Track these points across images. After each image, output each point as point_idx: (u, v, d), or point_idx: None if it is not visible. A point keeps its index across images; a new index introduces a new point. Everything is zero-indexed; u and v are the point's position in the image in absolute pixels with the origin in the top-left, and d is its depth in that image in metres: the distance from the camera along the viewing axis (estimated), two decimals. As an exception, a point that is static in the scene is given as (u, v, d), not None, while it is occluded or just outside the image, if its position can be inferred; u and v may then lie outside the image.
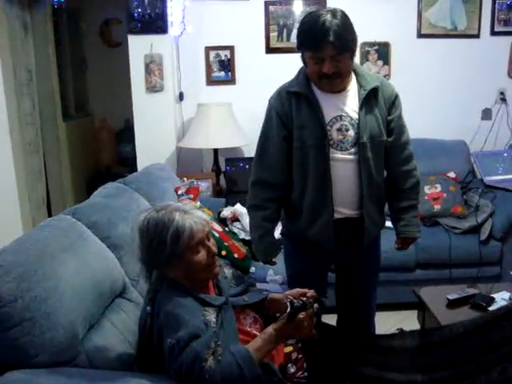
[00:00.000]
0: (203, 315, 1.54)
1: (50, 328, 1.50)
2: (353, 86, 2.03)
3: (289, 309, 1.54)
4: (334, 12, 1.89)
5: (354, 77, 2.05)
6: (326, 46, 1.84)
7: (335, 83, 1.95)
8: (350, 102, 2.01)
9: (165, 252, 1.57)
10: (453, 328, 1.78)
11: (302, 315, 1.54)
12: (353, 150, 1.99)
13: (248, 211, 2.17)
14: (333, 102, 2.00)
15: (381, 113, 2.03)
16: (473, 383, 1.66)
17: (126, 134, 5.55)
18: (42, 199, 4.62)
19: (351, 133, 1.99)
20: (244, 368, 1.42)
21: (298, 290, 1.72)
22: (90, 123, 5.83)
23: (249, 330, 1.68)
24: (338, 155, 1.99)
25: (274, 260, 2.20)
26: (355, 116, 1.99)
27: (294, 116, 2.00)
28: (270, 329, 1.55)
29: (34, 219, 4.13)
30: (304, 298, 1.61)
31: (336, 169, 1.99)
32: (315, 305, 1.60)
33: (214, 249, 1.66)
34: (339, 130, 1.99)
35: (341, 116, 1.99)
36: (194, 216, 1.62)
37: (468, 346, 1.72)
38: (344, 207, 2.04)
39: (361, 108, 1.99)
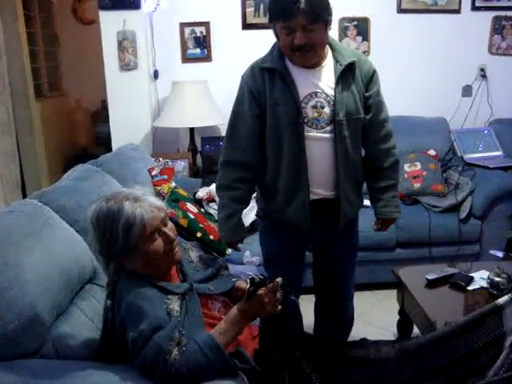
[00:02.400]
0: (166, 304, 1.49)
1: (13, 319, 1.44)
2: (329, 62, 1.95)
3: (248, 285, 1.49)
4: None
5: (330, 52, 1.97)
6: (297, 15, 1.76)
7: (308, 56, 1.87)
8: (326, 77, 1.93)
9: (118, 244, 1.50)
10: (419, 338, 1.70)
11: (262, 290, 1.49)
12: (328, 128, 1.92)
13: (216, 191, 2.10)
14: (308, 78, 1.92)
15: (358, 89, 1.96)
16: None
17: (102, 113, 5.43)
18: (16, 181, 4.52)
19: (327, 110, 1.92)
20: (209, 355, 1.38)
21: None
22: (64, 103, 5.69)
23: (217, 314, 1.63)
24: (313, 133, 1.92)
25: (238, 245, 2.13)
26: (331, 92, 1.92)
27: (268, 93, 1.92)
28: (233, 310, 1.50)
29: (7, 202, 4.03)
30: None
31: (311, 148, 1.92)
32: (277, 279, 1.53)
33: (172, 234, 1.58)
34: (314, 107, 1.91)
35: (316, 93, 1.92)
36: (146, 203, 1.53)
37: (435, 358, 1.63)
38: (320, 188, 1.98)
39: (337, 84, 1.91)
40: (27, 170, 4.75)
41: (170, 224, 1.63)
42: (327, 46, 1.96)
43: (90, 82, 5.26)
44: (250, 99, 1.95)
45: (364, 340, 1.80)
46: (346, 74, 1.93)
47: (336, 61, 1.94)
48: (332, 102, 1.91)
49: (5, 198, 4.06)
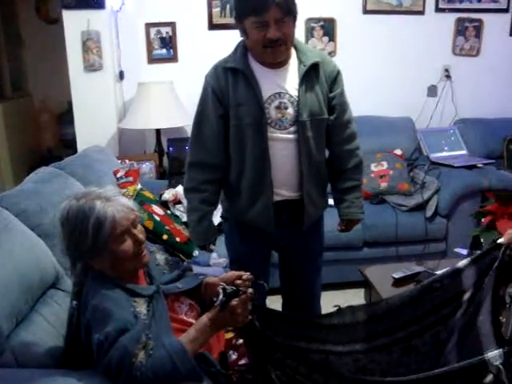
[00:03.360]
0: (132, 307, 1.46)
1: (-33, 326, 1.40)
2: (293, 62, 1.95)
3: (221, 296, 1.47)
4: None
5: (294, 52, 1.96)
6: (271, 7, 1.76)
7: (280, 51, 1.86)
8: (290, 78, 1.93)
9: (87, 243, 1.47)
10: (389, 301, 1.83)
11: (235, 302, 1.48)
12: (292, 128, 1.92)
13: (185, 194, 2.09)
14: (271, 78, 1.92)
15: (322, 90, 1.96)
16: (408, 347, 1.74)
17: (68, 115, 5.32)
18: (-22, 185, 4.41)
19: (290, 111, 1.91)
20: (177, 362, 1.36)
21: (234, 272, 1.66)
22: (28, 104, 5.56)
23: (185, 318, 1.61)
24: (277, 134, 1.92)
25: (210, 247, 2.12)
26: (295, 93, 1.91)
27: (231, 93, 1.91)
28: (204, 318, 1.49)
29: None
30: (239, 281, 1.55)
31: (274, 149, 1.92)
32: (249, 290, 1.53)
33: (141, 237, 1.56)
34: (278, 107, 1.91)
35: (280, 93, 1.91)
36: (117, 203, 1.52)
37: (404, 315, 1.78)
38: (284, 189, 1.98)
39: (300, 85, 1.91)
40: (-10, 174, 4.64)
41: (140, 226, 1.61)
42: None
43: (55, 83, 5.15)
44: (213, 100, 1.94)
45: (338, 308, 1.86)
46: (310, 75, 1.93)
47: (300, 61, 1.94)
48: (296, 103, 1.91)
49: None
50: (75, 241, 1.49)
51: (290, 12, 1.81)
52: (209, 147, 1.97)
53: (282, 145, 1.93)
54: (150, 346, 1.38)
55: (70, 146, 5.30)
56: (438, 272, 2.45)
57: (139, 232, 1.57)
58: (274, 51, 1.85)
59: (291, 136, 1.93)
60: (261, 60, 1.91)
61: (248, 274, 1.62)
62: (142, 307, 1.48)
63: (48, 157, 5.31)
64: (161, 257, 1.79)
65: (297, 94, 1.91)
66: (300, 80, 1.91)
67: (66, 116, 5.47)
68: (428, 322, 1.75)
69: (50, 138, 5.60)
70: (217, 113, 1.94)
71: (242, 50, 1.93)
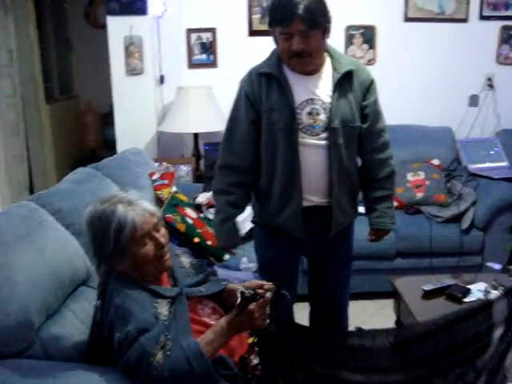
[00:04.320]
0: (154, 307, 1.50)
1: (1, 319, 1.47)
2: (327, 69, 1.96)
3: (239, 300, 1.50)
4: None
5: (328, 60, 1.98)
6: (295, 20, 1.78)
7: (305, 62, 1.88)
8: (323, 85, 1.94)
9: (109, 246, 1.52)
10: (413, 328, 1.78)
11: (252, 306, 1.49)
12: (323, 135, 1.93)
13: (213, 195, 2.12)
14: (305, 84, 1.93)
15: (355, 98, 1.96)
16: None
17: (111, 117, 5.46)
18: (24, 183, 4.58)
19: (322, 117, 1.92)
20: (193, 363, 1.38)
21: (256, 281, 1.67)
22: (75, 106, 5.76)
23: (207, 320, 1.63)
24: (308, 140, 1.93)
25: (233, 250, 2.14)
26: (327, 100, 1.92)
27: (264, 98, 1.94)
28: (222, 321, 1.51)
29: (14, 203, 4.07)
30: (260, 291, 1.56)
31: (305, 154, 1.93)
32: (267, 294, 1.55)
33: (163, 240, 1.60)
34: (310, 113, 1.92)
35: (312, 99, 1.93)
36: (139, 207, 1.56)
37: (427, 348, 1.67)
38: (313, 194, 1.98)
39: (334, 92, 1.92)
40: (35, 172, 4.81)
41: (163, 230, 1.64)
42: (326, 54, 1.97)
43: (100, 85, 5.28)
44: (246, 104, 1.97)
45: (359, 329, 1.82)
46: (344, 82, 1.94)
47: (334, 69, 1.95)
48: (328, 110, 1.92)
49: (12, 200, 4.11)
50: (99, 243, 1.55)
51: (316, 25, 1.81)
52: (239, 151, 2.00)
53: (313, 150, 1.94)
54: (169, 346, 1.41)
55: (111, 147, 5.43)
56: (471, 286, 2.42)
57: (161, 236, 1.60)
58: (299, 62, 1.88)
59: (322, 142, 1.94)
60: (289, 68, 1.93)
61: (270, 283, 1.63)
62: (163, 308, 1.51)
63: (90, 157, 5.46)
64: (186, 260, 1.82)
65: (329, 101, 1.92)
66: (333, 87, 1.92)
67: (108, 118, 5.62)
68: (453, 359, 1.64)
69: (94, 139, 5.76)
70: (249, 117, 1.97)
71: (277, 55, 1.95)
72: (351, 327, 2.26)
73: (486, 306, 1.65)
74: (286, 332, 1.66)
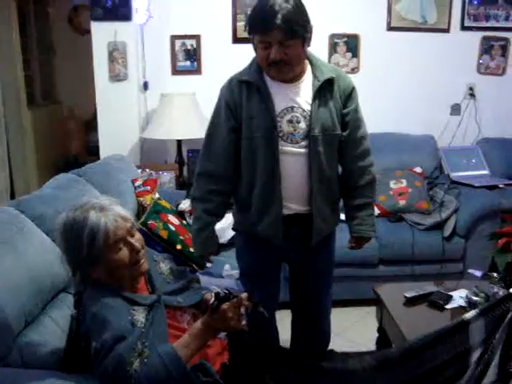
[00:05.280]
0: (130, 315, 1.48)
1: (-22, 324, 1.45)
2: (307, 77, 1.96)
3: (212, 299, 1.49)
4: None
5: (309, 67, 1.98)
6: (273, 30, 1.77)
7: (283, 71, 1.88)
8: (304, 93, 1.94)
9: (83, 253, 1.50)
10: (386, 352, 1.72)
11: (225, 305, 1.48)
12: (303, 143, 1.93)
13: (191, 203, 2.12)
14: (285, 92, 1.93)
15: (335, 105, 1.97)
16: None
17: (94, 123, 5.43)
18: (4, 188, 4.52)
19: (302, 125, 1.92)
20: (171, 367, 1.37)
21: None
22: (57, 111, 5.71)
23: (186, 327, 1.62)
24: (288, 148, 1.93)
25: (210, 258, 2.13)
26: (308, 108, 1.92)
27: (244, 106, 1.93)
28: (197, 323, 1.50)
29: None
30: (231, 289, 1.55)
31: (285, 162, 1.93)
32: (242, 294, 1.54)
33: (138, 245, 1.58)
34: (290, 121, 1.92)
35: (292, 107, 1.93)
36: (111, 213, 1.54)
37: (403, 374, 1.64)
38: (293, 202, 1.98)
39: (314, 99, 1.92)
40: (17, 178, 4.76)
41: (138, 235, 1.63)
42: (307, 62, 1.97)
43: (83, 91, 5.26)
44: (226, 111, 1.96)
45: (331, 352, 1.79)
46: (324, 90, 1.94)
47: (314, 76, 1.95)
48: (308, 117, 1.92)
49: (-8, 205, 4.06)
50: (72, 251, 1.53)
51: (295, 35, 1.80)
52: (217, 158, 1.99)
53: (293, 158, 1.94)
54: (146, 354, 1.40)
55: (94, 153, 5.40)
56: (453, 293, 2.43)
57: (136, 240, 1.59)
58: (278, 70, 1.87)
59: (302, 150, 1.93)
60: (269, 76, 1.93)
61: (245, 294, 1.60)
62: (140, 315, 1.50)
63: (73, 163, 5.42)
64: (165, 266, 1.80)
65: (309, 109, 1.92)
66: (313, 95, 1.92)
67: (91, 124, 5.59)
68: (432, 383, 1.62)
69: (77, 145, 5.73)
70: (229, 125, 1.96)
71: (257, 63, 1.95)
72: (332, 342, 2.27)
73: (462, 325, 1.63)
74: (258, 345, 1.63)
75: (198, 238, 2.05)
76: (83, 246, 1.50)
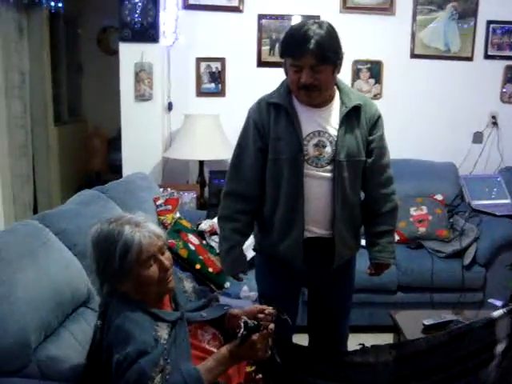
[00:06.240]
0: (154, 330, 1.49)
1: (-1, 336, 1.46)
2: (335, 103, 1.99)
3: (242, 330, 1.48)
4: (320, 23, 1.86)
5: (337, 93, 2.00)
6: (306, 54, 1.81)
7: (313, 96, 1.91)
8: (331, 118, 1.96)
9: (114, 266, 1.52)
10: (416, 343, 1.79)
11: (255, 337, 1.49)
12: (329, 167, 1.94)
13: (218, 222, 2.12)
14: (312, 116, 1.96)
15: (361, 132, 1.98)
16: None
17: (118, 141, 5.52)
18: (28, 203, 4.60)
19: (328, 149, 1.94)
20: None
21: (257, 306, 1.67)
22: (82, 129, 5.83)
23: (206, 346, 1.63)
24: (313, 171, 1.94)
25: (240, 276, 2.13)
26: (334, 133, 1.94)
27: (272, 127, 1.96)
28: (224, 349, 1.50)
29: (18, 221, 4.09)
30: (261, 315, 1.55)
31: (309, 185, 1.94)
32: (270, 326, 1.54)
33: (168, 263, 1.60)
34: (316, 145, 1.94)
35: (319, 132, 1.95)
36: (146, 229, 1.57)
37: (431, 361, 1.73)
38: (315, 226, 1.99)
39: (340, 125, 1.94)
40: (40, 193, 4.84)
41: (168, 253, 1.65)
42: (335, 88, 2.00)
43: (108, 110, 5.35)
44: (254, 132, 1.99)
45: (363, 346, 1.85)
46: (351, 117, 1.96)
47: (342, 102, 1.97)
48: (334, 142, 1.94)
49: (15, 219, 4.13)
50: (103, 263, 1.55)
51: (326, 60, 1.83)
52: (246, 178, 2.01)
53: (318, 182, 1.95)
54: (168, 370, 1.40)
55: (117, 171, 5.47)
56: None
57: (166, 259, 1.61)
58: (307, 94, 1.90)
59: (327, 174, 1.95)
60: (298, 99, 1.96)
61: (271, 308, 1.63)
62: (163, 332, 1.51)
63: (95, 180, 5.50)
64: (188, 284, 1.82)
65: (336, 134, 1.94)
66: (340, 121, 1.94)
67: (115, 142, 5.68)
68: (456, 371, 1.70)
69: (100, 163, 5.81)
70: (256, 145, 1.98)
71: (286, 86, 1.98)
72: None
73: (489, 323, 1.70)
74: (288, 353, 1.66)
75: (228, 257, 2.06)
76: (115, 258, 1.52)
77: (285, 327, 1.68)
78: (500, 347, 1.66)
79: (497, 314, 1.70)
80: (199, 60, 3.86)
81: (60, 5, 4.54)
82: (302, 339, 2.32)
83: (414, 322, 2.49)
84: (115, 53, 5.39)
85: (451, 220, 3.54)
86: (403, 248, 3.34)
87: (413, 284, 3.23)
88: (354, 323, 2.43)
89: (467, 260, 3.22)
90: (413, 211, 3.51)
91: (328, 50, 1.83)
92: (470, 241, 3.27)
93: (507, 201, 3.72)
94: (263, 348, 1.51)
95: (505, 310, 1.69)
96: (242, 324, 1.49)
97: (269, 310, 1.62)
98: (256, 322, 1.51)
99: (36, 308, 1.62)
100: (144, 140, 3.71)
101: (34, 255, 1.76)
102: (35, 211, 4.62)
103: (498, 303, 2.62)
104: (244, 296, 2.64)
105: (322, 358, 1.81)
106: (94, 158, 5.80)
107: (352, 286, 2.24)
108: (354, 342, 2.36)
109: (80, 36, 5.71)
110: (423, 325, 2.43)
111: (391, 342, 2.66)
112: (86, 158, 5.78)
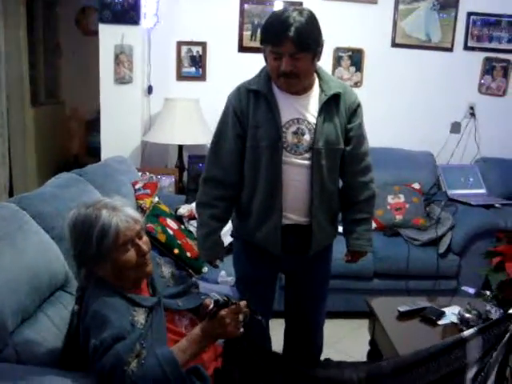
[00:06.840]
0: (131, 315, 1.50)
1: (-27, 319, 1.45)
2: (315, 90, 1.99)
3: (212, 305, 1.51)
4: (301, 10, 1.85)
5: (317, 81, 2.00)
6: (286, 42, 1.80)
7: (292, 83, 1.91)
8: (310, 106, 1.97)
9: (91, 250, 1.53)
10: (384, 364, 1.73)
11: (224, 311, 1.51)
12: (307, 155, 1.95)
13: (196, 208, 2.12)
14: (292, 104, 1.96)
15: (340, 120, 1.99)
16: None
17: (96, 124, 5.45)
18: (3, 185, 4.53)
19: (307, 137, 1.95)
20: (167, 371, 1.39)
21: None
22: (60, 111, 5.72)
23: (184, 331, 1.64)
24: (291, 159, 1.95)
25: (217, 263, 2.14)
26: (313, 121, 1.95)
27: (251, 115, 1.96)
28: (196, 329, 1.52)
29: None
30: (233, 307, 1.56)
31: (288, 173, 1.95)
32: (242, 302, 1.56)
33: (145, 247, 1.60)
34: (295, 133, 1.95)
35: (298, 119, 1.95)
36: (123, 213, 1.56)
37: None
38: (293, 213, 2.00)
39: (319, 113, 1.95)
40: (16, 175, 4.76)
41: (145, 238, 1.65)
42: (315, 75, 2.00)
43: (87, 92, 5.27)
44: (233, 119, 1.98)
45: (327, 360, 1.80)
46: (330, 105, 1.97)
47: (322, 90, 1.97)
48: (313, 130, 1.94)
49: (-9, 201, 4.07)
50: (80, 247, 1.55)
51: (306, 48, 1.83)
52: (225, 164, 2.01)
53: (296, 170, 1.96)
54: (143, 355, 1.41)
55: (95, 154, 5.41)
56: (445, 309, 2.45)
57: (144, 243, 1.61)
58: (287, 82, 1.90)
59: (305, 162, 1.96)
60: (277, 86, 1.96)
61: (244, 302, 1.62)
62: (140, 317, 1.52)
63: (73, 163, 5.43)
64: (167, 270, 1.82)
65: (315, 122, 1.95)
66: (319, 108, 1.95)
67: (93, 125, 5.60)
68: None
69: (78, 146, 5.74)
70: (235, 132, 1.98)
71: (266, 73, 1.98)
72: (324, 354, 2.28)
73: (459, 342, 1.64)
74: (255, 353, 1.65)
75: (206, 243, 2.06)
76: (92, 242, 1.52)
77: (259, 328, 1.67)
78: (470, 374, 1.59)
79: (467, 333, 1.63)
80: (180, 43, 3.82)
81: (38, -17, 4.45)
82: (278, 324, 2.35)
83: (389, 308, 2.52)
84: (94, 34, 5.33)
85: (427, 209, 3.60)
86: (380, 235, 3.38)
87: (389, 271, 3.28)
88: (331, 309, 2.46)
89: (442, 248, 3.28)
90: (390, 199, 3.55)
91: (308, 37, 1.82)
92: (446, 229, 3.33)
93: (483, 191, 3.79)
94: (233, 323, 1.53)
95: (476, 329, 1.63)
96: (212, 301, 1.52)
97: (242, 302, 1.61)
98: (226, 298, 1.53)
99: (13, 291, 1.60)
100: (123, 123, 3.66)
101: (10, 238, 1.73)
102: (11, 194, 4.56)
103: (471, 291, 2.67)
104: (222, 281, 2.65)
105: (285, 367, 1.74)
106: (71, 141, 5.73)
107: (328, 272, 2.26)
108: (331, 328, 2.40)
109: (58, 15, 5.59)
110: (398, 311, 2.46)
111: (367, 327, 2.70)
112: (63, 140, 5.70)
